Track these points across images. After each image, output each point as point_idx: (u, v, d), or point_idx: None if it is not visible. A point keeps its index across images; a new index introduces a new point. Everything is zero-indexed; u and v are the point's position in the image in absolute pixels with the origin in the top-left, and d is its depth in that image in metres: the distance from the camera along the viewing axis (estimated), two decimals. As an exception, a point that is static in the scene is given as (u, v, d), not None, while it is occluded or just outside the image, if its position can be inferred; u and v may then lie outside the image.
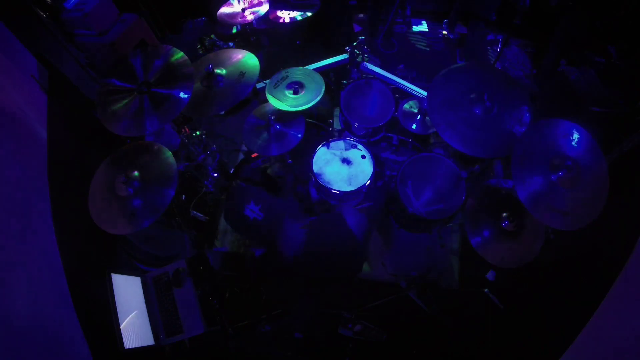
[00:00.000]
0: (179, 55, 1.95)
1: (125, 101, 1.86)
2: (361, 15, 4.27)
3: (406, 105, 2.50)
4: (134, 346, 1.82)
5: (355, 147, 2.34)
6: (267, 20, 2.84)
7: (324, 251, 1.53)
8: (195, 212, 2.50)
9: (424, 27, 4.23)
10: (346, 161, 2.30)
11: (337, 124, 2.74)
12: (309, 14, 2.68)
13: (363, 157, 2.30)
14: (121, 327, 1.81)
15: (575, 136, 1.61)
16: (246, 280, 2.17)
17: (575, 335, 1.64)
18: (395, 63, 3.66)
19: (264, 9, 2.74)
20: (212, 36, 3.84)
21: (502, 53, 3.33)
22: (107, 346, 1.75)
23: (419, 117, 2.41)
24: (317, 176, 2.21)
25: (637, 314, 1.46)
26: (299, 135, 2.21)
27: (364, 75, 2.75)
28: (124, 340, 1.78)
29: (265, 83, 2.31)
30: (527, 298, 2.14)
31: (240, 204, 1.41)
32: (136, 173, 1.81)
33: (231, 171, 2.84)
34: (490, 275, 2.27)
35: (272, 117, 2.21)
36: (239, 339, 2.13)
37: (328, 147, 2.35)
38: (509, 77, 1.91)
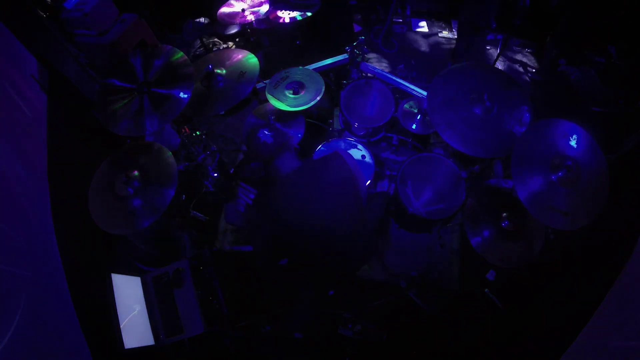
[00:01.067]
0: (179, 55, 1.95)
1: (125, 101, 1.86)
2: (359, 17, 4.27)
3: (406, 105, 2.50)
4: (134, 346, 1.82)
5: (355, 147, 2.34)
6: (267, 20, 2.84)
7: (317, 176, 1.52)
8: (195, 212, 2.51)
9: (424, 27, 4.23)
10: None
11: (337, 124, 2.74)
12: (309, 14, 2.68)
13: (363, 157, 2.30)
14: (121, 327, 1.81)
15: (575, 136, 1.61)
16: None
17: (575, 335, 1.64)
18: (395, 63, 3.66)
19: (264, 9, 2.74)
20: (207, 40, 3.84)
21: (501, 53, 3.33)
22: (107, 346, 1.75)
23: (419, 117, 2.41)
24: (317, 176, 2.21)
25: (637, 314, 1.46)
26: (299, 135, 2.20)
27: (364, 75, 2.75)
28: (124, 340, 1.78)
29: (265, 83, 2.31)
30: (527, 298, 2.13)
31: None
32: (136, 173, 1.82)
33: (231, 171, 2.85)
34: (490, 275, 2.27)
35: (272, 117, 2.21)
36: (239, 339, 2.14)
37: (328, 147, 2.35)
38: (509, 77, 1.91)
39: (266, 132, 1.92)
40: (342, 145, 2.35)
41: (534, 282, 2.10)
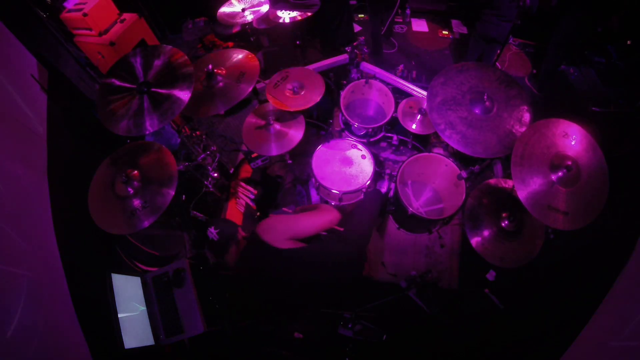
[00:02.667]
0: (179, 55, 1.95)
1: (125, 101, 1.86)
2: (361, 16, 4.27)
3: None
4: (134, 346, 1.82)
5: (355, 147, 2.34)
6: (267, 20, 2.84)
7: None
8: (195, 212, 2.51)
9: (424, 27, 4.24)
10: (346, 161, 2.30)
11: (337, 124, 2.74)
12: (309, 14, 2.68)
13: (363, 157, 2.30)
14: (121, 327, 1.81)
15: (575, 136, 1.61)
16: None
17: (575, 335, 1.64)
18: (395, 63, 3.66)
19: (264, 8, 2.74)
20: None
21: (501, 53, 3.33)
22: (107, 346, 1.75)
23: (418, 117, 2.41)
24: (316, 176, 2.21)
25: (637, 314, 1.46)
26: (299, 135, 2.21)
27: (364, 75, 2.75)
28: (124, 340, 1.78)
29: (265, 83, 2.31)
30: (527, 298, 2.13)
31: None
32: (136, 173, 1.82)
33: (231, 171, 2.85)
34: (490, 275, 2.27)
35: (272, 117, 2.21)
36: (239, 339, 2.13)
37: (328, 147, 2.35)
38: (509, 76, 1.90)
39: (212, 231, 1.59)
40: (343, 145, 2.35)
41: (534, 282, 2.10)
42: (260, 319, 2.15)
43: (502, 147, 1.72)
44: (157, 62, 1.94)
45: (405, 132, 2.45)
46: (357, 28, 4.13)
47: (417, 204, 2.34)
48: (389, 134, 2.55)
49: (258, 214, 2.60)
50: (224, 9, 2.82)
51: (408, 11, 4.25)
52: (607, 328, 1.57)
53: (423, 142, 2.60)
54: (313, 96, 2.16)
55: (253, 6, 2.79)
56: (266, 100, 2.24)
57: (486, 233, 1.83)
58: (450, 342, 2.15)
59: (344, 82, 2.69)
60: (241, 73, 2.11)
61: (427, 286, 2.23)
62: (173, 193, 1.75)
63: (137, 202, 1.75)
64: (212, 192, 2.58)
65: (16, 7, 2.22)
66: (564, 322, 1.82)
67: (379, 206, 2.13)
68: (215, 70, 2.11)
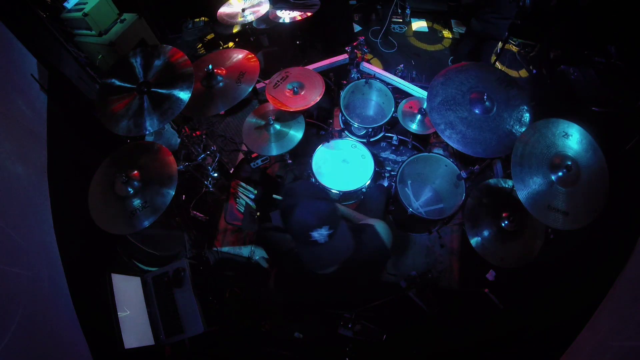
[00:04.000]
0: (179, 55, 1.95)
1: (125, 101, 1.86)
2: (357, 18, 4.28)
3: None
4: (134, 346, 1.82)
5: (355, 147, 2.34)
6: (267, 20, 2.84)
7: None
8: (195, 212, 2.51)
9: (423, 27, 4.24)
10: (346, 161, 2.30)
11: (337, 124, 2.74)
12: (309, 14, 2.68)
13: (363, 156, 2.30)
14: (121, 327, 1.81)
15: (575, 136, 1.61)
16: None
17: (575, 335, 1.64)
18: (394, 63, 3.66)
19: (264, 8, 2.74)
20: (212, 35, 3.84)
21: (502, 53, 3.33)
22: (107, 346, 1.75)
23: (418, 117, 2.41)
24: (316, 176, 2.21)
25: (637, 314, 1.46)
26: (299, 135, 2.21)
27: (364, 75, 2.75)
28: (124, 340, 1.78)
29: (265, 83, 2.31)
30: (527, 298, 2.13)
31: (304, 226, 1.15)
32: (136, 173, 1.82)
33: (231, 171, 2.85)
34: (490, 275, 2.27)
35: (272, 117, 2.21)
36: (239, 339, 2.13)
37: (328, 147, 2.35)
38: (508, 76, 1.90)
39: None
40: (342, 145, 2.34)
41: (534, 282, 2.10)
42: (260, 319, 2.15)
43: (502, 147, 1.72)
44: (157, 62, 1.95)
45: (405, 132, 2.45)
46: (357, 28, 4.13)
47: (417, 204, 2.34)
48: (389, 134, 2.55)
49: (258, 213, 2.59)
50: (224, 9, 2.82)
51: (408, 11, 4.25)
52: (607, 328, 1.57)
53: (423, 142, 2.59)
54: (313, 96, 2.15)
55: (253, 6, 2.79)
56: (266, 100, 2.24)
57: (486, 233, 1.83)
58: (450, 342, 2.15)
59: (344, 82, 2.69)
60: (241, 73, 2.11)
61: (427, 286, 2.22)
62: (173, 193, 1.75)
63: (137, 202, 1.75)
64: (212, 192, 2.58)
65: (16, 7, 2.22)
66: (564, 322, 1.82)
67: (385, 196, 2.12)
68: (215, 70, 2.11)
